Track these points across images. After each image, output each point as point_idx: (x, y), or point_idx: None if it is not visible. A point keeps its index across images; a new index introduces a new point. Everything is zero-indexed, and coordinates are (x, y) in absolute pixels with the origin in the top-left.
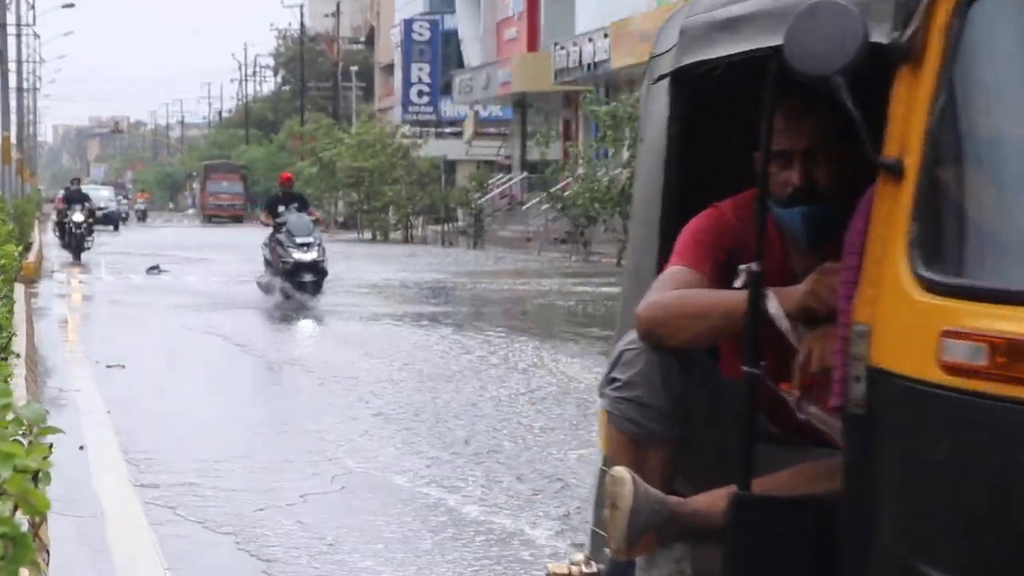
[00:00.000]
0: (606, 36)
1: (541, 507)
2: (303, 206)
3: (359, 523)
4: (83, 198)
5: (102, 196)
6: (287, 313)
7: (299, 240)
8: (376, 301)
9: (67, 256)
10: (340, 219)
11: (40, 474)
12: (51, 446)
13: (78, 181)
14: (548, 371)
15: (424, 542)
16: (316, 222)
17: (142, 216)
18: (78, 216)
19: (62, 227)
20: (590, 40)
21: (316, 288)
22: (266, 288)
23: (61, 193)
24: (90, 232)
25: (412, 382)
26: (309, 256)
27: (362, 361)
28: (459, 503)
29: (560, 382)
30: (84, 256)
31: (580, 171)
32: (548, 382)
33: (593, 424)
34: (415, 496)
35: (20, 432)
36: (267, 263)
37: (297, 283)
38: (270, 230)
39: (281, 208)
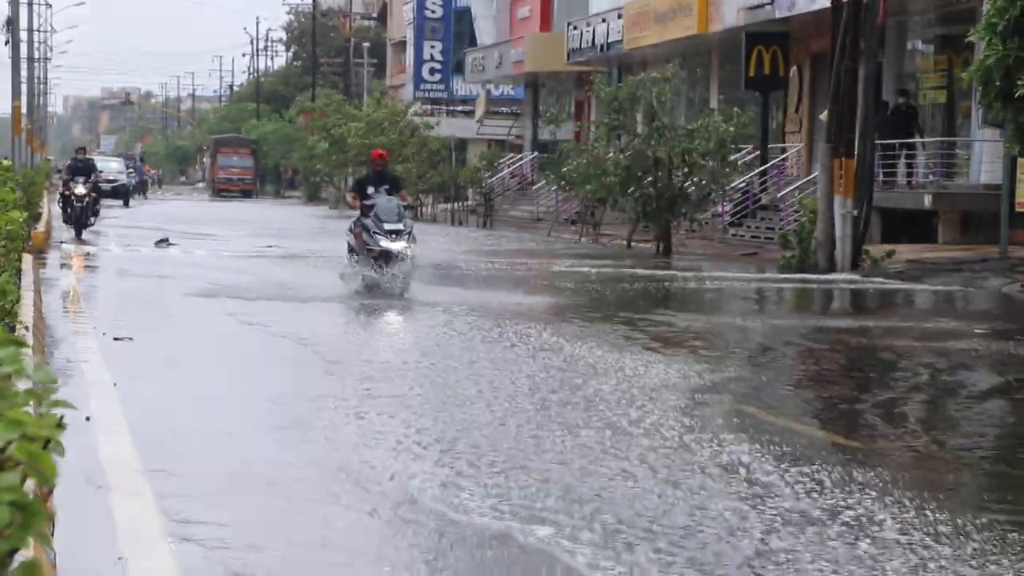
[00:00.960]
0: (620, 16)
1: None
2: (394, 188)
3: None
4: (89, 169)
5: (111, 168)
6: (365, 304)
7: (388, 226)
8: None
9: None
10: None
11: (51, 443)
12: (62, 417)
13: (84, 151)
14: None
15: None
16: (408, 207)
17: (141, 188)
18: (81, 189)
19: (65, 200)
20: (603, 20)
21: (404, 283)
22: (348, 278)
23: (67, 163)
24: (95, 207)
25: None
26: (398, 245)
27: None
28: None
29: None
30: (88, 233)
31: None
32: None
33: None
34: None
35: (31, 403)
36: (350, 250)
37: (383, 274)
38: (355, 214)
39: (371, 189)
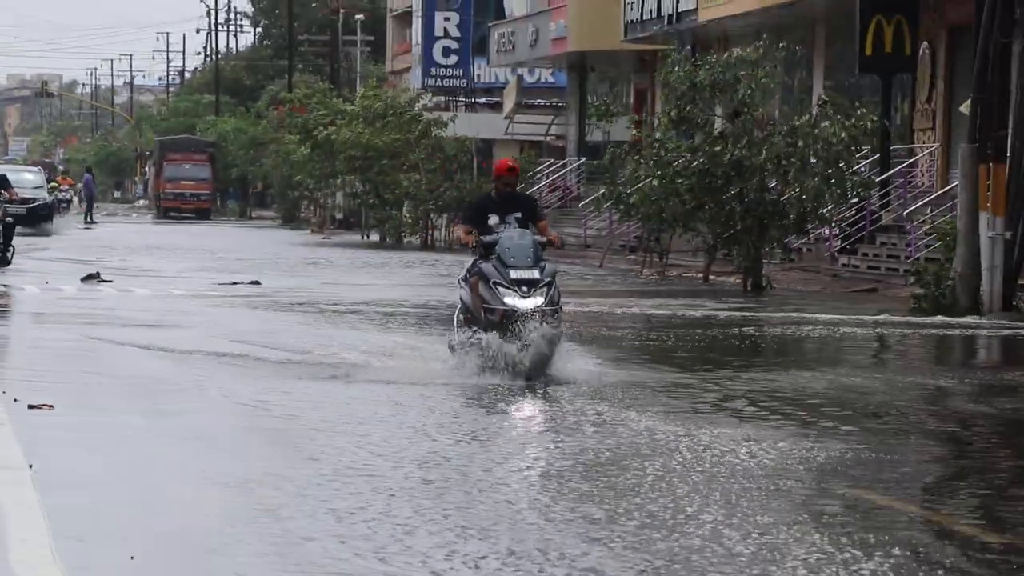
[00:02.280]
0: None
1: None
2: (529, 217)
3: None
4: None
5: (27, 181)
6: (482, 393)
7: (516, 274)
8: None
9: None
10: (339, 215)
11: None
12: None
13: None
14: None
15: None
16: (548, 244)
17: (81, 210)
18: None
19: None
20: None
21: (540, 366)
22: (462, 351)
23: None
24: (9, 236)
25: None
26: (531, 302)
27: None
28: None
29: None
30: (2, 274)
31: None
32: None
33: None
34: None
35: None
36: (463, 309)
37: (511, 348)
38: (469, 258)
39: (493, 219)
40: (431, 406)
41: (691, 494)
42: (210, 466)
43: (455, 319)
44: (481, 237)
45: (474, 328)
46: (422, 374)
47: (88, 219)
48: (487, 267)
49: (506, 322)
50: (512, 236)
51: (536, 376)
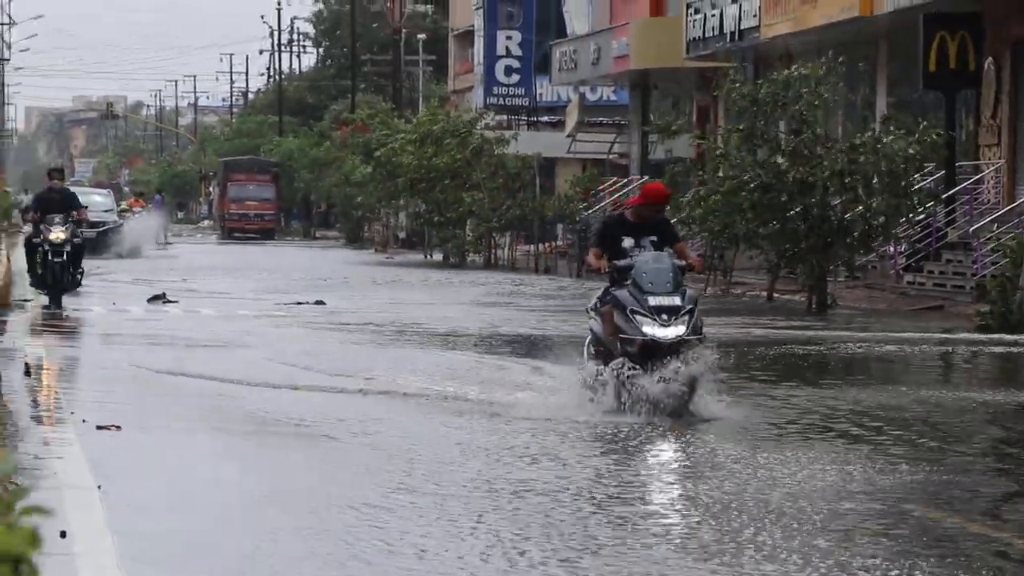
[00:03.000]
0: None
1: None
2: (666, 239)
3: None
4: (67, 204)
5: (96, 204)
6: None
7: (654, 301)
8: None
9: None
10: (402, 234)
11: (22, 566)
12: (36, 530)
13: (60, 175)
14: None
15: None
16: (688, 268)
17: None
18: (58, 233)
19: (32, 250)
20: (734, 1)
21: (684, 402)
22: (594, 386)
23: (28, 197)
24: (78, 259)
25: None
26: (671, 331)
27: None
28: None
29: None
30: (69, 298)
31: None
32: None
33: None
34: None
35: None
36: (594, 341)
37: (648, 381)
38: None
39: (627, 241)
40: (571, 445)
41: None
42: (279, 489)
43: (585, 351)
44: (615, 262)
45: (602, 356)
46: (555, 410)
47: (163, 240)
48: (622, 294)
49: (645, 353)
50: (649, 260)
51: (680, 413)
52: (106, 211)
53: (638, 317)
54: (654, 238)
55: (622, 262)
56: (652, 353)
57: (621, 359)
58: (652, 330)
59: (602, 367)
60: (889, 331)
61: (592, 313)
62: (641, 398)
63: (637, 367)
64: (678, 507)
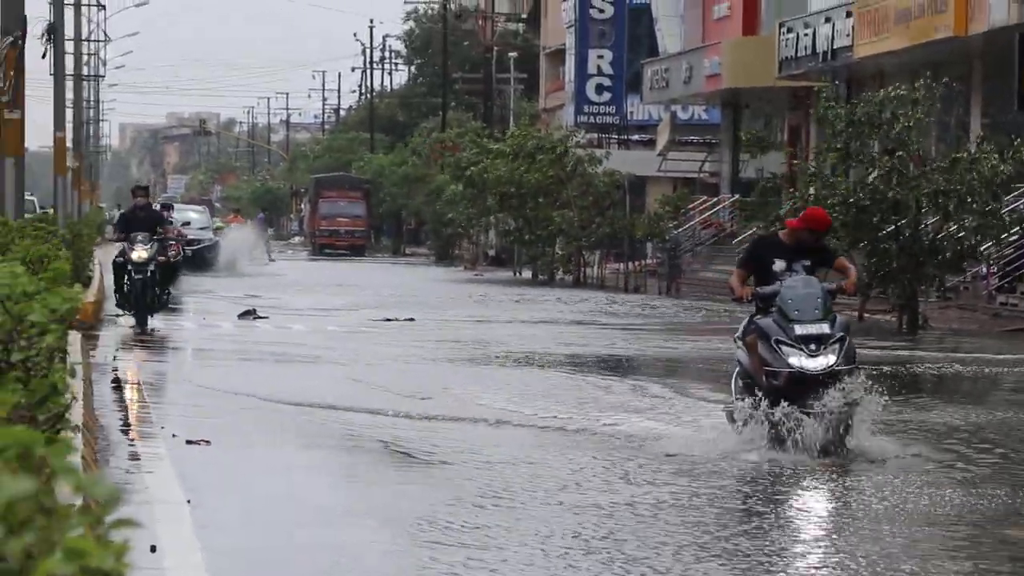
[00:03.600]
0: (849, 15)
1: None
2: (821, 262)
3: None
4: (154, 221)
5: (192, 219)
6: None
7: (800, 330)
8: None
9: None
10: (491, 252)
11: None
12: (127, 545)
13: (145, 192)
14: None
15: None
16: (838, 291)
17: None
18: (141, 252)
19: (119, 269)
20: (827, 20)
21: (838, 439)
22: (740, 418)
23: (117, 214)
24: (168, 279)
25: None
26: (821, 362)
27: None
28: None
29: None
30: (160, 314)
31: (811, 191)
32: None
33: None
34: None
35: (84, 525)
36: (742, 373)
37: (799, 416)
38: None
39: (778, 264)
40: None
41: None
42: (367, 505)
43: (732, 384)
44: (757, 288)
45: (748, 388)
46: (701, 447)
47: (266, 257)
48: (766, 323)
49: (793, 386)
50: (795, 285)
51: (833, 452)
52: (202, 228)
53: (783, 347)
54: (807, 262)
55: (766, 289)
56: (801, 386)
57: (767, 393)
58: (799, 361)
59: (750, 401)
60: (982, 352)
61: (739, 343)
62: (791, 437)
63: (786, 402)
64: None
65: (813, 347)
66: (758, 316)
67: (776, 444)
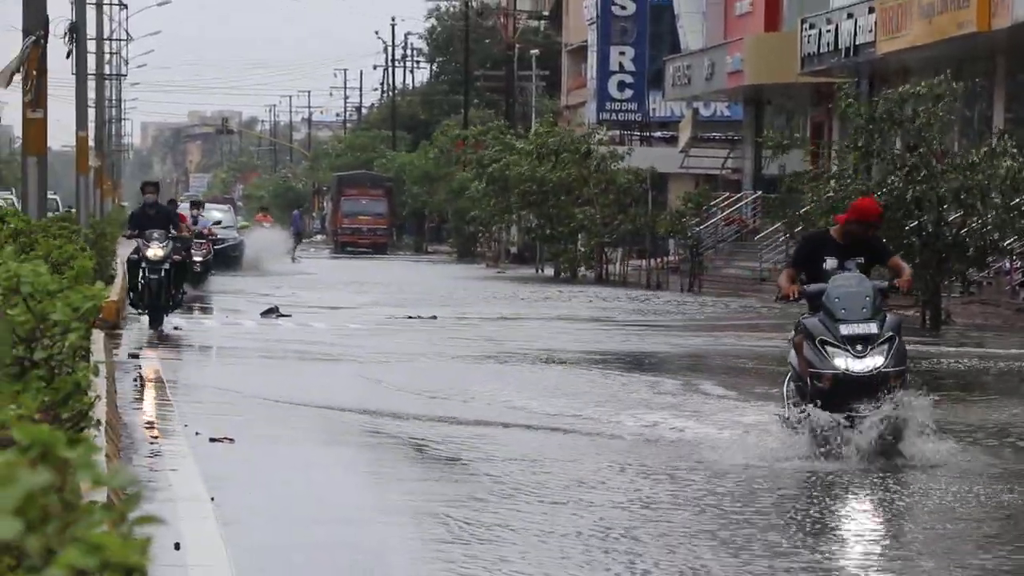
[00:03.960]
0: (871, 11)
1: None
2: (875, 258)
3: None
4: (165, 219)
5: (216, 219)
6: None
7: (847, 330)
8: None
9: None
10: (513, 249)
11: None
12: (149, 539)
13: (155, 187)
14: None
15: None
16: (890, 289)
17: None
18: (156, 250)
19: (132, 268)
20: (849, 16)
21: (886, 445)
22: (792, 424)
23: (132, 212)
24: (179, 279)
25: None
26: (868, 363)
27: None
28: None
29: None
30: (170, 318)
31: (831, 188)
32: None
33: None
34: None
35: (107, 521)
36: (795, 376)
37: (843, 420)
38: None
39: (829, 262)
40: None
41: None
42: (390, 502)
43: (785, 387)
44: (805, 287)
45: (798, 392)
46: (742, 452)
47: (293, 257)
48: (812, 322)
49: (839, 389)
50: (843, 283)
51: (883, 458)
52: (226, 227)
53: (829, 348)
54: (861, 259)
55: (812, 287)
56: (847, 388)
57: (812, 396)
58: (844, 362)
59: (802, 406)
60: (1008, 348)
61: (791, 349)
62: (835, 443)
63: (832, 405)
64: None
65: (860, 348)
66: (805, 316)
67: (820, 450)
